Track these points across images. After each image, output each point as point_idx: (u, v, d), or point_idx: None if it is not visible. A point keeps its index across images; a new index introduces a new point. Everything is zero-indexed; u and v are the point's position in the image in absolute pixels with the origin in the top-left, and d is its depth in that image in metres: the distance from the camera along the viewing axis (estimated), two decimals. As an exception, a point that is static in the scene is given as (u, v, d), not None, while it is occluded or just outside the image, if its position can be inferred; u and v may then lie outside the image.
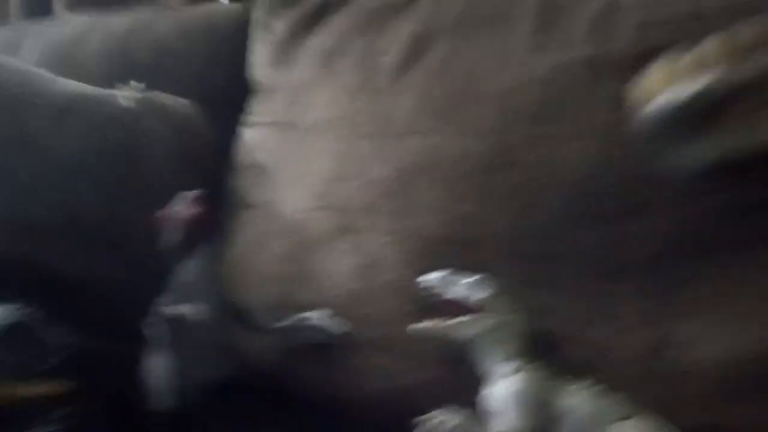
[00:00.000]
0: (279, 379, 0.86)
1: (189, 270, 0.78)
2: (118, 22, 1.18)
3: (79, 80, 0.97)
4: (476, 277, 0.74)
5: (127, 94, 0.97)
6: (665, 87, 0.69)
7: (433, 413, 0.69)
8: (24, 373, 0.59)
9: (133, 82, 1.01)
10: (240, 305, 0.84)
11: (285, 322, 0.83)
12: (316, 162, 0.91)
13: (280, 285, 0.87)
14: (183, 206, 0.75)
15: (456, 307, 0.73)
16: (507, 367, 0.71)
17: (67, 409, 0.59)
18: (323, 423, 0.84)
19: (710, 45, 0.65)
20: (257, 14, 1.08)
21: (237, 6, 1.19)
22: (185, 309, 0.73)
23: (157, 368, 0.80)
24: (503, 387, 0.70)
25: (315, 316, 0.83)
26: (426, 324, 0.73)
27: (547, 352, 0.72)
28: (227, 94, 1.07)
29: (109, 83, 1.00)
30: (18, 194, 0.82)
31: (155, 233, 0.88)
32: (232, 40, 1.10)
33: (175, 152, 0.95)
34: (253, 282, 0.89)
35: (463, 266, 0.75)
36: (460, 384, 0.74)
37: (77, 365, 0.63)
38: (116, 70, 1.08)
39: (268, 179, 0.97)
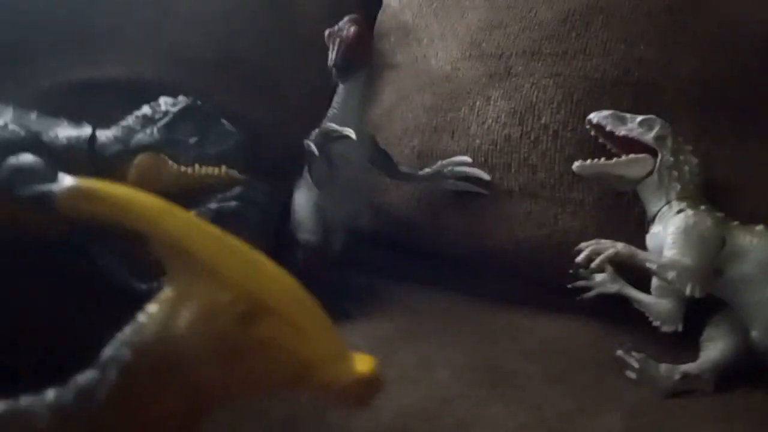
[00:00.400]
0: (423, 231, 0.85)
1: (345, 94, 0.78)
2: None
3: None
4: (650, 116, 0.71)
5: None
6: None
7: (594, 241, 0.67)
8: (202, 154, 0.60)
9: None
10: (383, 152, 0.84)
11: (428, 170, 0.83)
12: (467, 12, 0.87)
13: (425, 136, 0.85)
14: (347, 24, 0.75)
15: (627, 146, 0.70)
16: (677, 207, 0.68)
17: (241, 189, 0.60)
18: (468, 275, 0.84)
19: None
20: None
21: None
22: (342, 130, 0.74)
23: (303, 202, 0.81)
24: (673, 225, 0.67)
25: (459, 162, 0.82)
26: (595, 161, 0.70)
27: (718, 199, 0.70)
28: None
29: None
30: (177, 24, 0.83)
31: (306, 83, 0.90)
32: None
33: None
34: (396, 135, 0.88)
35: (634, 110, 0.72)
36: (620, 229, 0.72)
37: (245, 157, 0.64)
38: None
39: (414, 38, 0.94)
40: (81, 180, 0.28)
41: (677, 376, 0.64)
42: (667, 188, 0.69)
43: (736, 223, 0.67)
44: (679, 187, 0.68)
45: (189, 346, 0.27)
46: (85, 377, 0.29)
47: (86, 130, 0.63)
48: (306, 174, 0.84)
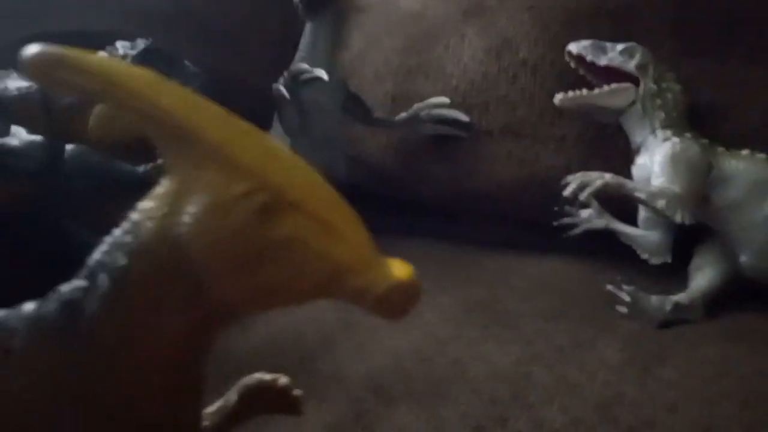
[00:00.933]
0: (402, 180, 0.83)
1: (314, 34, 0.75)
2: None
3: None
4: (630, 43, 0.69)
5: None
6: None
7: (580, 173, 0.66)
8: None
9: None
10: (357, 98, 0.81)
11: (404, 115, 0.80)
12: (435, -53, 0.85)
13: (398, 78, 0.82)
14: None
15: (609, 76, 0.68)
16: (663, 134, 0.67)
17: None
18: (452, 222, 0.82)
19: None
20: None
21: None
22: (313, 71, 0.71)
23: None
24: (659, 153, 0.65)
25: (435, 104, 0.79)
26: (576, 93, 0.68)
27: (703, 123, 0.69)
28: None
29: None
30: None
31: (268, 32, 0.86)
32: None
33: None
34: (368, 80, 0.85)
35: (613, 39, 0.70)
36: (605, 164, 0.71)
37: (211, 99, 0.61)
38: None
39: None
40: (49, 46, 0.23)
41: (668, 307, 0.63)
42: (651, 117, 0.67)
43: (722, 148, 0.65)
44: (663, 115, 0.67)
45: (196, 247, 0.23)
46: (69, 287, 0.24)
47: None
48: (276, 124, 0.80)
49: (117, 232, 0.24)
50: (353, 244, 0.23)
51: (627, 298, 0.64)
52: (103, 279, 0.23)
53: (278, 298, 0.24)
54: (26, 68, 0.23)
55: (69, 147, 0.57)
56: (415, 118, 0.80)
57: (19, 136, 0.55)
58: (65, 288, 0.24)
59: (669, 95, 0.68)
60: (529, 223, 0.76)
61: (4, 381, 0.23)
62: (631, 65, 0.68)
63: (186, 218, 0.23)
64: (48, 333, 0.24)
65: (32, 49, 0.23)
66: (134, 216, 0.24)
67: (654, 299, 0.64)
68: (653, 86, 0.67)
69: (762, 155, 0.64)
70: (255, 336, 0.60)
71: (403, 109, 0.80)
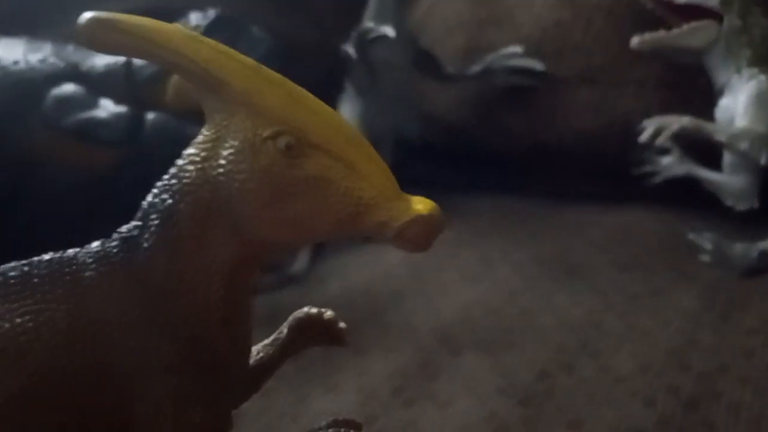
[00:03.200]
0: (476, 135, 0.82)
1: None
2: None
3: None
4: (711, -23, 0.66)
5: None
6: None
7: (657, 117, 0.63)
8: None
9: None
10: (428, 54, 0.80)
11: (477, 67, 0.79)
12: None
13: (470, 31, 0.81)
14: None
15: (689, 13, 0.65)
16: (749, 73, 0.63)
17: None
18: (526, 175, 0.80)
19: None
20: None
21: None
22: (380, 29, 0.71)
23: (349, 114, 0.79)
24: (745, 92, 0.62)
25: (508, 54, 0.78)
26: (654, 34, 0.65)
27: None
28: None
29: None
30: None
31: None
32: None
33: None
34: (439, 34, 0.84)
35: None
36: (687, 108, 0.67)
37: (279, 63, 0.63)
38: None
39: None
40: (100, 12, 0.26)
41: (755, 254, 0.60)
42: (736, 55, 0.63)
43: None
44: (749, 52, 0.63)
45: (231, 185, 0.25)
46: (127, 226, 0.28)
47: (121, 57, 0.62)
48: (348, 85, 0.81)
49: (165, 176, 0.27)
50: (374, 181, 0.25)
51: (709, 246, 0.62)
52: (154, 218, 0.26)
53: (306, 232, 0.26)
54: (79, 34, 0.25)
55: (150, 116, 0.61)
56: (487, 70, 0.79)
57: (106, 107, 0.60)
58: (124, 228, 0.27)
59: (756, 30, 0.63)
60: (607, 173, 0.74)
61: (82, 311, 0.26)
62: (713, 0, 0.64)
63: (221, 161, 0.25)
64: (112, 266, 0.27)
65: (85, 16, 0.25)
66: (179, 162, 0.27)
67: (739, 247, 0.61)
68: (738, 22, 0.63)
69: None
70: (329, 290, 0.62)
71: (476, 62, 0.80)
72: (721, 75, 0.64)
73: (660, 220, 0.70)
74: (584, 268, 0.62)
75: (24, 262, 0.27)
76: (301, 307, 0.34)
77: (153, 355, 0.26)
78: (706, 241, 0.62)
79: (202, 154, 0.26)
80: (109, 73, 0.61)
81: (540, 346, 0.51)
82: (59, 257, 0.27)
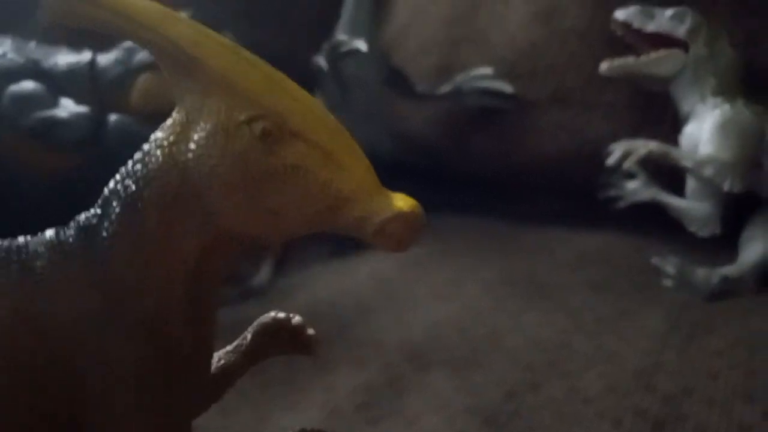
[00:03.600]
0: (447, 155, 0.83)
1: (354, 5, 0.75)
2: None
3: None
4: (681, 8, 0.67)
5: None
6: None
7: (624, 141, 0.64)
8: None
9: None
10: (400, 72, 0.80)
11: (446, 87, 0.79)
12: None
13: (444, 50, 0.82)
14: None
15: (657, 42, 0.66)
16: (713, 101, 0.65)
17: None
18: (497, 196, 0.80)
19: None
20: None
21: None
22: (352, 42, 0.71)
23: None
24: (710, 120, 0.64)
25: (478, 75, 0.78)
26: (623, 60, 0.66)
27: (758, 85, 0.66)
28: None
29: None
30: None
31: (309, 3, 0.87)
32: None
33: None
34: (412, 53, 0.85)
35: (661, 3, 0.68)
36: (654, 133, 0.69)
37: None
38: None
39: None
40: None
41: (716, 280, 0.61)
42: (701, 84, 0.65)
43: (778, 113, 0.63)
44: (714, 81, 0.64)
45: (202, 170, 0.23)
46: (85, 214, 0.26)
47: (86, 55, 0.61)
48: (318, 97, 0.81)
49: (129, 162, 0.25)
50: (355, 174, 0.23)
51: (672, 271, 0.62)
52: (115, 205, 0.24)
53: (280, 225, 0.24)
54: (46, 8, 0.24)
55: (113, 118, 0.59)
56: (457, 91, 0.79)
57: (67, 107, 0.58)
58: (82, 215, 0.26)
59: (721, 60, 0.65)
60: (576, 195, 0.75)
61: (29, 302, 0.24)
62: (681, 30, 0.65)
63: (191, 145, 0.24)
64: (68, 255, 0.25)
65: None
66: (145, 146, 0.25)
67: (701, 272, 0.62)
68: (704, 51, 0.65)
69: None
70: (294, 303, 0.61)
71: (446, 82, 0.80)
72: (686, 102, 0.65)
73: (626, 243, 0.71)
74: (553, 289, 0.62)
75: None
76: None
77: (110, 354, 0.24)
78: (669, 265, 0.63)
79: (171, 138, 0.24)
80: (73, 72, 0.59)
81: (508, 365, 0.50)
82: (8, 244, 0.25)
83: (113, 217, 0.24)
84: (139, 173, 0.24)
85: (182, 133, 0.24)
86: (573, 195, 0.75)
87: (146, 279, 0.24)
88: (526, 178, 0.78)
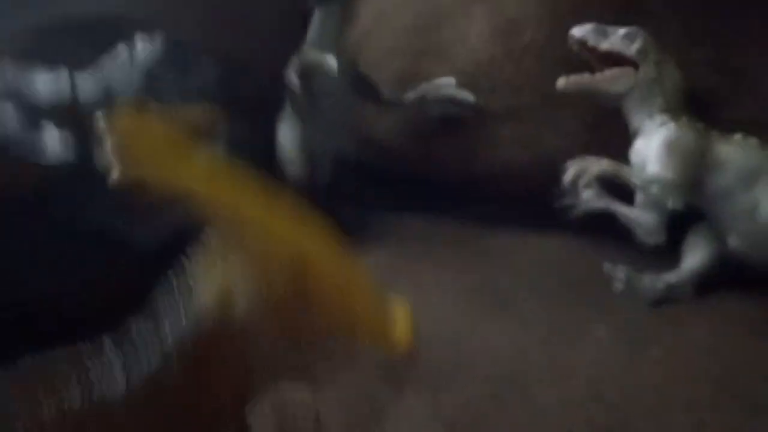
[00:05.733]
0: (411, 159, 0.85)
1: (323, 19, 0.77)
2: None
3: None
4: (632, 28, 0.71)
5: None
6: None
7: (579, 159, 0.68)
8: (184, 90, 0.60)
9: None
10: (367, 79, 0.83)
11: (412, 95, 0.82)
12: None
13: (407, 58, 0.84)
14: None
15: (611, 60, 0.70)
16: (660, 119, 0.68)
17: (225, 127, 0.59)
18: (458, 201, 0.84)
19: None
20: None
21: None
22: (321, 57, 0.73)
23: (288, 137, 0.81)
24: (656, 138, 0.67)
25: (442, 85, 0.81)
26: (578, 77, 0.70)
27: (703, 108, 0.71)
28: None
29: None
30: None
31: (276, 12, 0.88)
32: None
33: None
34: (377, 57, 0.87)
35: (619, 20, 0.70)
36: (607, 146, 0.72)
37: (228, 91, 0.63)
38: None
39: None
40: (128, 170, 0.27)
41: (660, 286, 0.66)
42: (649, 102, 0.68)
43: (716, 133, 0.67)
44: (661, 100, 0.68)
45: (250, 319, 0.28)
46: (150, 366, 0.30)
47: (63, 74, 0.61)
48: (288, 106, 0.83)
49: (183, 320, 0.29)
50: (368, 318, 0.27)
51: (622, 277, 0.68)
52: (175, 361, 0.29)
53: (312, 347, 0.29)
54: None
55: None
56: (422, 99, 0.82)
57: (48, 131, 0.59)
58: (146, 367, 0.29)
59: (668, 81, 0.69)
60: (532, 203, 0.78)
61: None
62: (632, 50, 0.69)
63: (240, 300, 0.28)
64: (140, 405, 0.29)
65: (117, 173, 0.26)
66: (194, 306, 0.29)
67: (647, 279, 0.67)
68: (653, 71, 0.69)
69: (754, 140, 0.66)
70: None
71: (411, 89, 0.82)
72: (635, 119, 0.69)
73: (579, 249, 0.75)
74: (509, 297, 0.66)
75: None
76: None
77: None
78: (619, 272, 0.68)
79: (218, 298, 0.28)
80: (54, 98, 0.60)
81: (467, 376, 0.54)
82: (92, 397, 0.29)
83: (174, 370, 0.28)
84: (195, 333, 0.28)
85: (228, 294, 0.28)
86: (529, 203, 0.79)
87: (196, 402, 0.29)
88: (485, 185, 0.81)
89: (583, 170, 0.66)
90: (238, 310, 0.28)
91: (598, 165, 0.66)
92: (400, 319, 0.28)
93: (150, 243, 0.57)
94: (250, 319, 0.27)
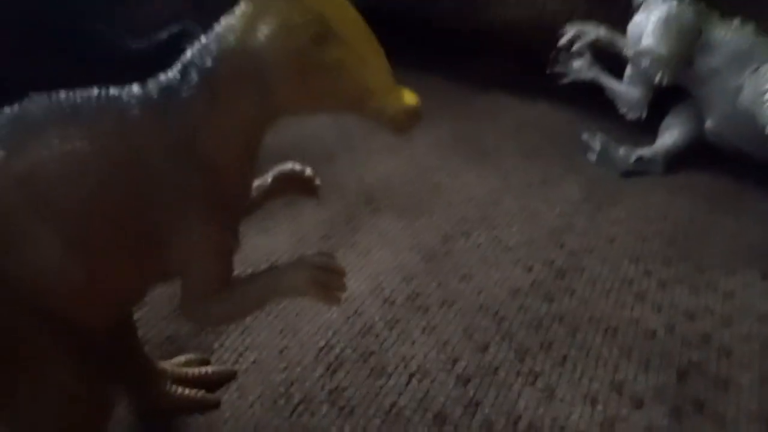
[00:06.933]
0: (415, 10, 0.86)
1: None
2: None
3: None
4: None
5: None
6: None
7: (577, 23, 0.70)
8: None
9: None
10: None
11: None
12: None
13: None
14: None
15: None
16: (662, -5, 0.71)
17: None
18: (455, 58, 0.87)
19: None
20: None
21: None
22: None
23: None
24: (656, 13, 0.69)
25: None
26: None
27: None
28: None
29: None
30: None
31: None
32: None
33: None
34: None
35: None
36: (607, 16, 0.74)
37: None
38: None
39: None
40: None
41: (633, 158, 0.71)
42: (652, -24, 0.70)
43: (716, 15, 0.69)
44: (665, -25, 0.70)
45: (267, 57, 0.30)
46: (167, 77, 0.32)
47: None
48: None
49: (204, 39, 0.32)
50: (378, 74, 0.31)
51: (598, 147, 0.72)
52: (194, 74, 0.31)
53: (318, 107, 0.33)
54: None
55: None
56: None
57: None
58: (163, 77, 0.32)
59: (676, -44, 0.70)
60: (527, 65, 0.81)
61: (127, 141, 0.31)
62: None
63: (260, 36, 0.30)
64: (153, 107, 0.32)
65: None
66: (218, 29, 0.31)
67: (621, 150, 0.71)
68: (659, -56, 0.70)
69: (750, 26, 0.68)
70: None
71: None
72: (639, -6, 0.71)
73: (563, 116, 0.79)
74: (492, 153, 0.71)
75: (71, 91, 0.32)
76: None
77: (184, 180, 0.32)
78: (596, 141, 0.72)
79: (242, 26, 0.31)
80: None
81: (445, 215, 0.59)
82: (106, 94, 0.32)
83: (192, 83, 0.31)
84: (214, 52, 0.31)
85: (251, 24, 0.30)
86: (525, 64, 0.81)
87: (214, 134, 0.32)
88: (486, 41, 0.83)
89: (579, 34, 0.68)
90: (258, 42, 0.31)
91: (595, 31, 0.69)
92: (408, 92, 0.32)
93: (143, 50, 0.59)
94: (269, 53, 0.30)
